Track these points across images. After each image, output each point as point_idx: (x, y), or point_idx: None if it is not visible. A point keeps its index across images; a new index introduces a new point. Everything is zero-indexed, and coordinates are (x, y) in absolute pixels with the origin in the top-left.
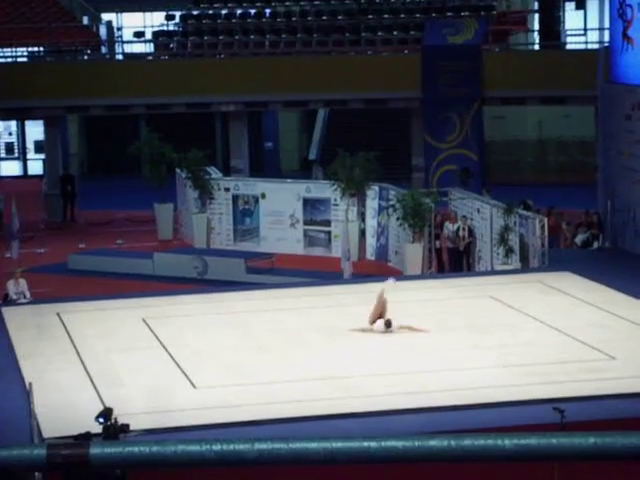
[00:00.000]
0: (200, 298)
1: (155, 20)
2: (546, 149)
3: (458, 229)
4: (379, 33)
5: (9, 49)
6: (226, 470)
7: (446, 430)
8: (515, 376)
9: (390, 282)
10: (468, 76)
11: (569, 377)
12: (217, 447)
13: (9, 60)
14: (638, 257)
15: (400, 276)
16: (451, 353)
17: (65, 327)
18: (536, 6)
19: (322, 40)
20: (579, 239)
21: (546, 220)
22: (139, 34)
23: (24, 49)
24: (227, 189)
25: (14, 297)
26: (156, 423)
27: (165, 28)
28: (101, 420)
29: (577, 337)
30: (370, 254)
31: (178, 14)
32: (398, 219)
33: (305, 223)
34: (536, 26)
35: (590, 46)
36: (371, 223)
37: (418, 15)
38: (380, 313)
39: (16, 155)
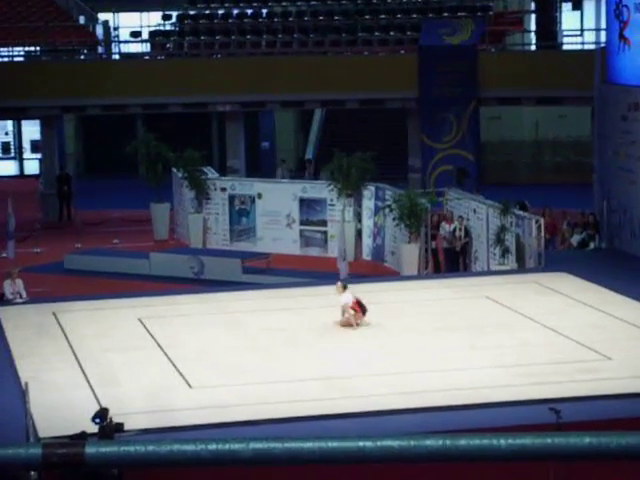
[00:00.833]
0: (196, 298)
1: (152, 20)
2: (542, 149)
3: (454, 229)
4: (376, 33)
5: (5, 48)
6: (222, 470)
7: (442, 430)
8: (511, 376)
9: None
10: (464, 76)
11: (565, 377)
12: (212, 446)
13: (5, 59)
14: (634, 257)
15: (396, 276)
16: (447, 353)
17: (61, 327)
18: (533, 6)
19: (319, 40)
20: (575, 240)
21: (542, 220)
22: (136, 34)
23: (21, 48)
24: (223, 189)
25: (10, 297)
26: (152, 423)
27: (162, 28)
28: (97, 421)
29: (573, 337)
30: (366, 254)
31: (175, 14)
32: (394, 219)
33: (301, 223)
34: (533, 26)
35: (587, 47)
36: (367, 223)
37: (415, 15)
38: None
39: (12, 155)
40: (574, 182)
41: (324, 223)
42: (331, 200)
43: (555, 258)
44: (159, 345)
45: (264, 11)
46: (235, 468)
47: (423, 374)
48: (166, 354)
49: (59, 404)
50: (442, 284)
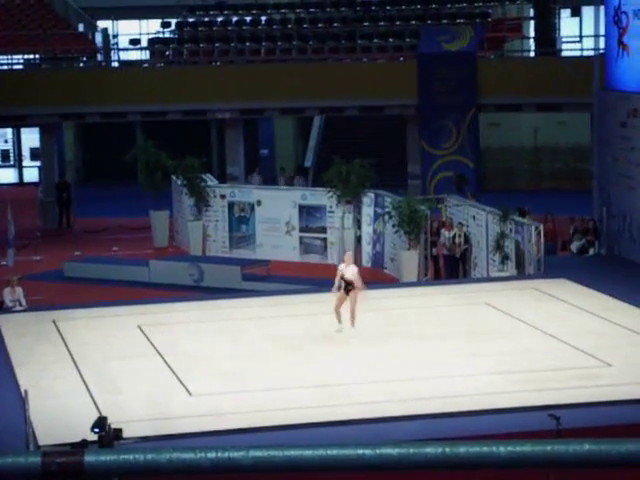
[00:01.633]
0: (196, 305)
1: (151, 27)
2: (541, 156)
3: (454, 236)
4: (375, 40)
5: (5, 56)
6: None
7: (441, 437)
8: (511, 383)
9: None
10: (464, 83)
11: (565, 384)
12: (212, 455)
13: (5, 67)
14: (634, 264)
15: (396, 283)
16: (446, 360)
17: (61, 334)
18: (531, 13)
19: (318, 47)
20: (575, 246)
21: (542, 227)
22: (135, 41)
23: (20, 56)
24: (223, 196)
25: (10, 305)
26: (151, 430)
27: (161, 35)
28: (97, 430)
29: (573, 344)
30: (366, 261)
31: (174, 21)
32: (394, 226)
33: (301, 230)
34: (531, 33)
35: (585, 53)
36: (367, 230)
37: (413, 22)
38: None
39: (12, 162)
40: (573, 188)
41: (324, 230)
42: (330, 207)
43: (554, 264)
44: (159, 352)
45: (263, 18)
46: (235, 476)
47: (422, 381)
48: (166, 361)
49: (59, 412)
50: (441, 291)
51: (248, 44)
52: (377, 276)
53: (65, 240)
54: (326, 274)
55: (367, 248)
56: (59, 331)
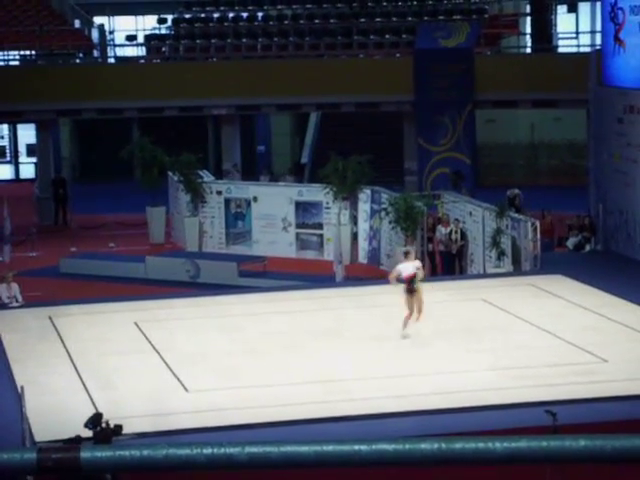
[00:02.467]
0: (192, 302)
1: (147, 23)
2: (538, 152)
3: (450, 232)
4: (371, 36)
5: (1, 52)
6: (219, 474)
7: (438, 433)
8: (507, 379)
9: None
10: (460, 79)
11: (561, 380)
12: (208, 451)
13: (1, 63)
14: (630, 260)
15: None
16: (443, 356)
17: (57, 331)
18: (528, 9)
19: (314, 43)
20: (571, 242)
21: (538, 223)
22: (131, 37)
23: (16, 52)
24: (219, 192)
25: (6, 301)
26: (148, 427)
27: (157, 31)
28: (90, 426)
29: (569, 340)
30: (362, 257)
31: (170, 17)
32: (390, 222)
33: (297, 226)
34: (528, 29)
35: (582, 49)
36: (363, 226)
37: (410, 18)
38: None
39: (8, 159)
40: (570, 184)
41: (320, 226)
42: (327, 203)
43: (551, 261)
44: (155, 349)
45: (260, 14)
46: (231, 472)
47: (419, 377)
48: (162, 358)
49: (55, 408)
50: (438, 287)
51: (244, 40)
52: (373, 272)
53: (61, 236)
54: (322, 270)
55: (363, 244)
56: (55, 327)
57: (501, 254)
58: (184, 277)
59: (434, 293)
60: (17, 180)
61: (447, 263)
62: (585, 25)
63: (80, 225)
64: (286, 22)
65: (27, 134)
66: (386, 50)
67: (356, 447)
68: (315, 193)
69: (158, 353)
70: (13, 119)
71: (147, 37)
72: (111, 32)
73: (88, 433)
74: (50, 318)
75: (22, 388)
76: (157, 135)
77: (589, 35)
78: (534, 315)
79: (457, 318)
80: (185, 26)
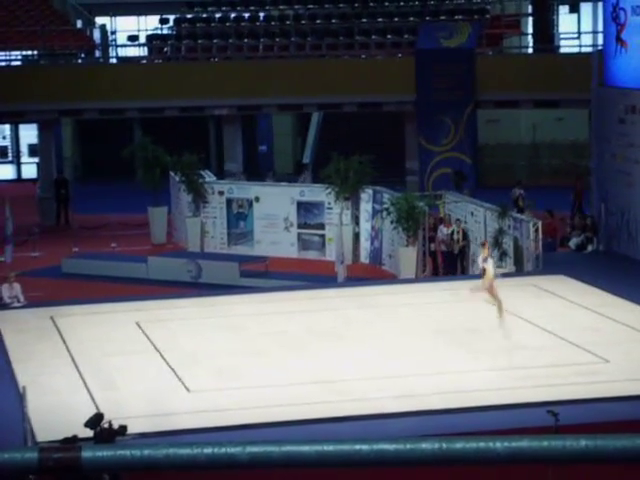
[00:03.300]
0: (194, 302)
1: (149, 24)
2: (540, 152)
3: (452, 232)
4: (373, 36)
5: (3, 53)
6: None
7: (439, 434)
8: (509, 379)
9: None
10: (462, 79)
11: (563, 380)
12: (209, 450)
13: (3, 64)
14: (632, 260)
15: (394, 279)
16: (445, 356)
17: (59, 331)
18: (530, 9)
19: (316, 44)
20: (573, 242)
21: (540, 223)
22: (133, 38)
23: (18, 53)
24: (221, 192)
25: (8, 301)
26: (150, 427)
27: (159, 32)
28: (90, 427)
29: (571, 340)
30: (364, 257)
31: (172, 18)
32: (392, 222)
33: (299, 226)
34: (530, 29)
35: (584, 49)
36: (365, 226)
37: (412, 19)
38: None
39: (10, 159)
40: (572, 185)
41: (322, 226)
42: (329, 203)
43: (553, 261)
44: (157, 349)
45: (261, 14)
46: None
47: (421, 377)
48: (164, 358)
49: (57, 408)
50: (440, 287)
51: (246, 40)
52: (375, 272)
53: (63, 236)
54: (324, 271)
55: (365, 244)
56: (57, 327)
57: (503, 254)
58: (186, 277)
59: (436, 293)
60: (19, 180)
61: (449, 263)
62: (587, 25)
63: (82, 225)
64: (288, 22)
65: (29, 134)
66: (388, 50)
67: (357, 447)
68: (317, 193)
69: (160, 353)
70: (15, 119)
71: (149, 37)
72: (113, 32)
73: (89, 433)
74: (52, 318)
75: (24, 388)
76: (159, 135)
77: (591, 35)
78: (536, 315)
79: (459, 318)
80: (187, 26)
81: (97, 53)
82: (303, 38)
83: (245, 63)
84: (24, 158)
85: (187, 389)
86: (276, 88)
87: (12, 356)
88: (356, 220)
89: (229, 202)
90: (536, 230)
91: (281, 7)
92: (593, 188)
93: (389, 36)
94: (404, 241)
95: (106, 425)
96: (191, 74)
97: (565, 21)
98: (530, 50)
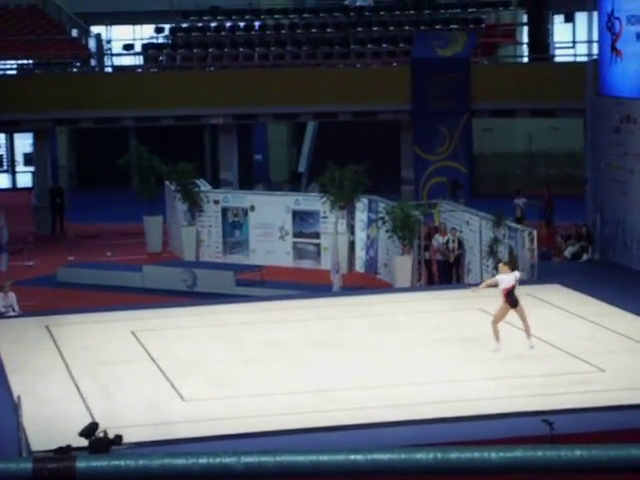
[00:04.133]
0: (189, 311)
1: (144, 33)
2: (535, 161)
3: (448, 241)
4: (368, 45)
5: None
6: None
7: (435, 443)
8: (504, 388)
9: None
10: (457, 88)
11: (558, 389)
12: (204, 460)
13: None
14: (627, 269)
15: (389, 288)
16: (440, 365)
17: (54, 340)
18: (525, 19)
19: (311, 53)
20: (568, 251)
21: (535, 232)
22: (128, 47)
23: (13, 61)
24: (216, 201)
25: (3, 310)
26: (144, 436)
27: (154, 41)
28: (85, 436)
29: (566, 349)
30: (359, 266)
31: (167, 27)
32: (387, 231)
33: (294, 235)
34: (525, 39)
35: (579, 59)
36: (360, 236)
37: (407, 28)
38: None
39: (5, 168)
40: (567, 194)
41: (317, 235)
42: (324, 212)
43: (548, 270)
44: (152, 358)
45: (257, 24)
46: None
47: (416, 386)
48: (159, 367)
49: (52, 417)
50: (435, 296)
51: (241, 49)
52: (370, 281)
53: (58, 245)
54: (319, 279)
55: (361, 253)
56: (52, 337)
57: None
58: (181, 286)
59: (431, 302)
60: (14, 189)
61: (444, 272)
62: (582, 35)
63: (77, 234)
64: (283, 31)
65: (24, 143)
66: (383, 59)
67: (352, 457)
68: (312, 202)
69: (155, 362)
70: (10, 128)
71: (144, 46)
72: (108, 41)
73: (84, 442)
74: (47, 327)
75: (19, 397)
76: (154, 144)
77: (586, 45)
78: (531, 324)
79: (454, 327)
80: (182, 35)
81: (92, 62)
82: (298, 47)
83: (240, 72)
84: (19, 167)
85: (182, 398)
86: (271, 97)
87: (7, 365)
88: (351, 229)
89: (224, 211)
90: (531, 239)
91: (276, 16)
92: (588, 197)
93: (384, 45)
94: (399, 250)
95: (101, 434)
96: (186, 83)
97: (560, 30)
98: (525, 59)
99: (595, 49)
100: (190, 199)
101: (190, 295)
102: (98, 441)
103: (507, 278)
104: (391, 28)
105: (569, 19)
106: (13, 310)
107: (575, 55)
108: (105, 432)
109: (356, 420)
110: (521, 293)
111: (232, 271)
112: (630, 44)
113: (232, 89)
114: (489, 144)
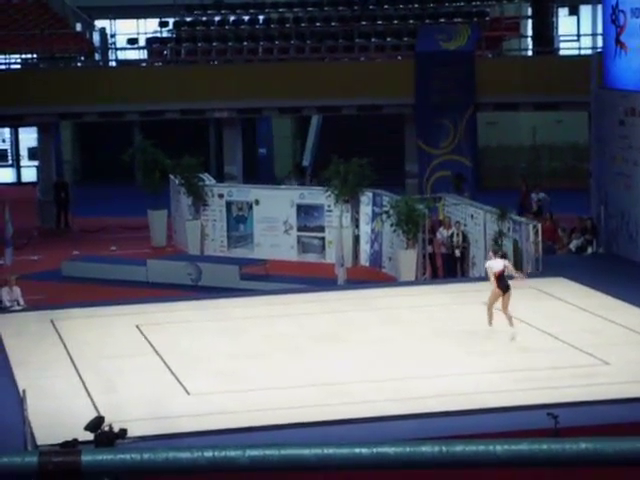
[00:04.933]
0: (194, 305)
1: (148, 27)
2: (539, 155)
3: (452, 235)
4: (372, 39)
5: (2, 56)
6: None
7: (439, 436)
8: (508, 382)
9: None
10: (461, 82)
11: (563, 382)
12: (209, 454)
13: (2, 67)
14: (631, 262)
15: (394, 282)
16: (445, 359)
17: (59, 334)
18: (529, 12)
19: (315, 46)
20: (573, 245)
21: (540, 226)
22: (132, 41)
23: (17, 56)
24: (221, 195)
25: (8, 304)
26: (150, 430)
27: (159, 35)
28: (90, 430)
29: (571, 343)
30: (364, 260)
31: (171, 21)
32: (392, 225)
33: (299, 229)
34: (529, 32)
35: (583, 52)
36: (365, 229)
37: (411, 21)
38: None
39: (10, 162)
40: (571, 187)
41: (322, 229)
42: (328, 206)
43: (553, 263)
44: (157, 352)
45: (261, 17)
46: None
47: (421, 380)
48: (164, 361)
49: (57, 411)
50: (439, 290)
51: (246, 43)
52: (375, 275)
53: (63, 239)
54: (324, 273)
55: (365, 247)
56: (57, 331)
57: (503, 257)
58: (186, 280)
59: (436, 296)
60: (19, 183)
61: (449, 266)
62: (586, 28)
63: (82, 228)
64: (287, 25)
65: (29, 137)
66: (387, 53)
67: (357, 450)
68: (316, 196)
69: (160, 356)
70: (15, 122)
71: (148, 40)
72: (112, 35)
73: (89, 436)
74: (52, 321)
75: (24, 391)
76: (159, 138)
77: (590, 38)
78: (535, 318)
79: (458, 321)
80: (187, 29)
81: (97, 56)
82: (302, 41)
83: (245, 66)
84: (24, 161)
85: (187, 392)
86: (276, 91)
87: (12, 359)
88: (356, 223)
89: (229, 205)
90: (536, 233)
91: (280, 10)
92: (593, 190)
93: (388, 39)
94: (404, 244)
95: (106, 428)
96: (191, 77)
97: (565, 23)
98: (530, 52)
99: (600, 42)
100: (194, 193)
101: (194, 289)
102: (103, 435)
103: (496, 263)
104: (395, 22)
105: (573, 12)
106: (18, 304)
107: (580, 48)
108: (110, 426)
109: (361, 414)
110: (525, 286)
111: (237, 265)
112: (635, 37)
113: (236, 83)
114: (494, 137)
